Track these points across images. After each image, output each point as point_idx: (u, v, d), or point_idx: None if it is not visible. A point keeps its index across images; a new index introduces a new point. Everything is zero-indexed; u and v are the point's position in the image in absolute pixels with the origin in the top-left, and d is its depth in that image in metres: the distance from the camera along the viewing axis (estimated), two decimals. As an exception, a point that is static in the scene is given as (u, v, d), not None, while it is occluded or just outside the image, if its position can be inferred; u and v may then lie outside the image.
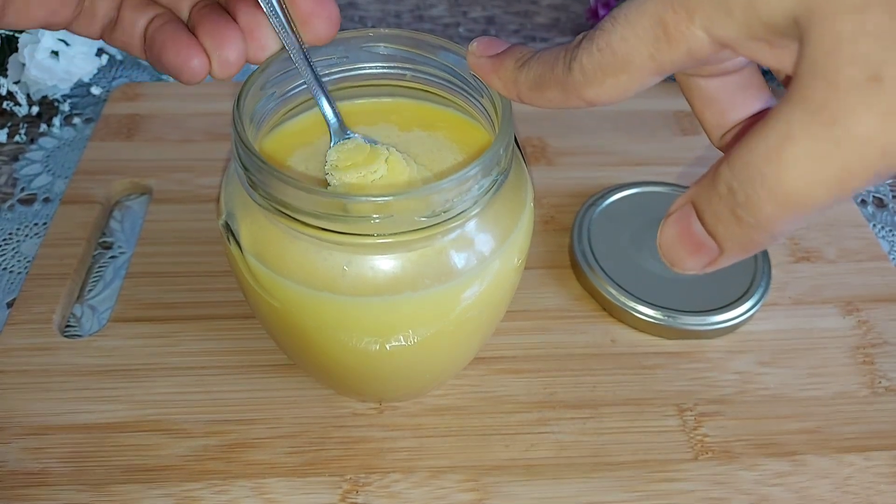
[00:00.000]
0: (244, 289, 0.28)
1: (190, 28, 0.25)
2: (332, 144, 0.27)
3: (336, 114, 0.27)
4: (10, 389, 0.34)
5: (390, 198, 0.22)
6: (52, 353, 0.36)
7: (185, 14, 0.25)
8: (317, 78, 0.26)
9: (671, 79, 0.21)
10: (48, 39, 0.48)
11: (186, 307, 0.38)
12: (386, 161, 0.26)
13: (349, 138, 0.27)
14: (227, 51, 0.24)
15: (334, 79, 0.29)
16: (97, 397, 0.34)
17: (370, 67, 0.29)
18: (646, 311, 0.37)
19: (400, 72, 0.29)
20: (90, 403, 0.34)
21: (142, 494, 0.31)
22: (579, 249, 0.40)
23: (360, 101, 0.30)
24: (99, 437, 0.33)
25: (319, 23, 0.25)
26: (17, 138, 0.49)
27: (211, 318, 0.38)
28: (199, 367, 0.35)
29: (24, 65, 0.48)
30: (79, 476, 0.31)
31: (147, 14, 0.25)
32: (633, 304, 0.38)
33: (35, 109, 0.50)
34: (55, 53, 0.48)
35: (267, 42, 0.25)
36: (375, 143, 0.27)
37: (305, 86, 0.27)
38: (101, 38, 0.26)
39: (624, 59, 0.18)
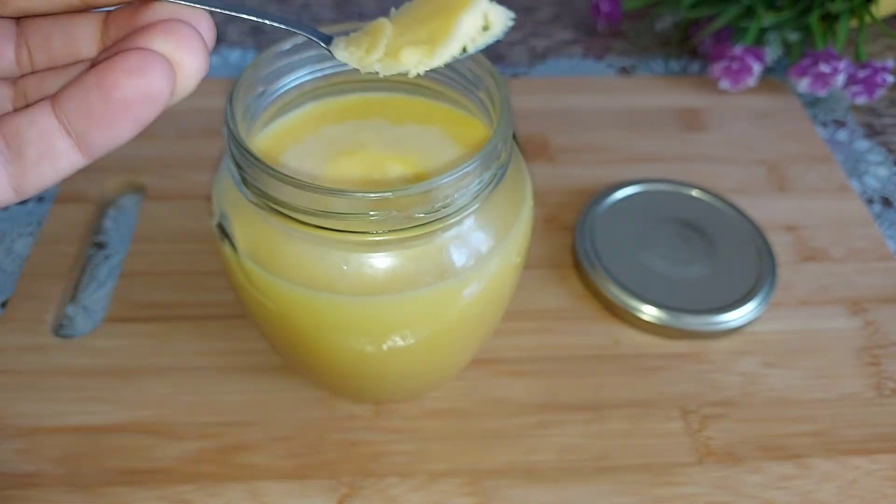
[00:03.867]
0: (238, 290, 0.27)
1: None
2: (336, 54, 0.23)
3: (307, 28, 0.23)
4: (3, 390, 0.34)
5: (388, 193, 0.22)
6: (45, 354, 0.35)
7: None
8: (278, 18, 0.22)
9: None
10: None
11: (181, 307, 0.38)
12: (385, 24, 0.23)
13: (339, 37, 0.23)
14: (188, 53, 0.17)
15: (326, 74, 0.28)
16: (90, 398, 0.34)
17: None
18: (650, 311, 0.37)
19: None
20: (83, 405, 0.33)
21: (135, 497, 0.30)
22: (582, 248, 0.40)
23: (352, 96, 0.30)
24: (92, 439, 0.32)
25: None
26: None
27: (206, 319, 0.37)
28: (193, 368, 0.35)
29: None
30: (71, 478, 0.31)
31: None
32: (636, 304, 0.37)
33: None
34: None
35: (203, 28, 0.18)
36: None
37: (295, 80, 0.25)
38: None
39: None
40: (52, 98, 0.17)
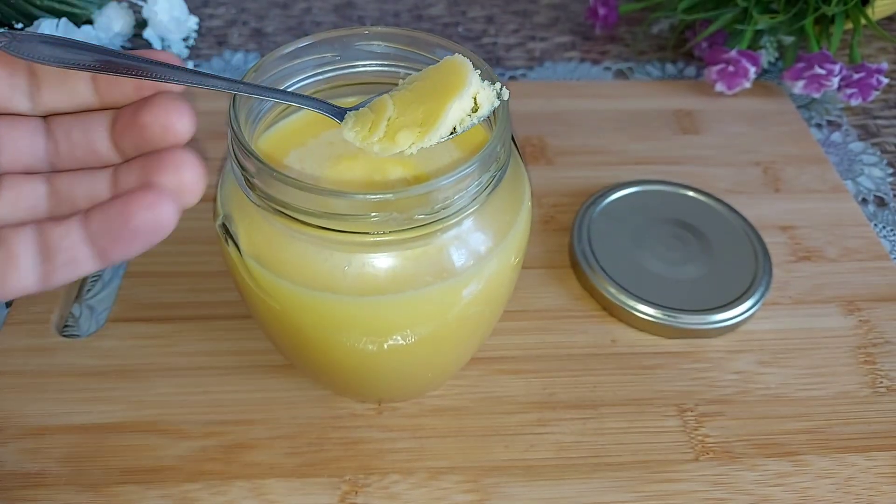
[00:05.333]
0: (242, 290, 0.28)
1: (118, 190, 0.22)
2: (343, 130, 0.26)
3: (324, 105, 0.26)
4: (8, 390, 0.34)
5: (389, 195, 0.22)
6: (51, 354, 0.36)
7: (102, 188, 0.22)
8: (282, 92, 0.25)
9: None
10: (47, 29, 0.47)
11: (185, 307, 0.38)
12: (388, 103, 0.25)
13: (349, 113, 0.26)
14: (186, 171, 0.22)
15: (328, 77, 0.29)
16: (95, 398, 0.34)
17: (364, 66, 0.29)
18: (646, 311, 0.37)
19: (394, 69, 0.29)
20: (88, 404, 0.34)
21: (140, 495, 0.31)
22: (579, 249, 0.40)
23: (352, 100, 0.30)
24: (97, 438, 0.33)
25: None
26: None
27: (210, 319, 0.37)
28: (197, 367, 0.35)
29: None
30: (77, 477, 0.31)
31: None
32: (633, 304, 0.37)
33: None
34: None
35: (186, 116, 0.23)
36: (364, 103, 0.26)
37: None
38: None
39: None
40: (84, 217, 0.20)
